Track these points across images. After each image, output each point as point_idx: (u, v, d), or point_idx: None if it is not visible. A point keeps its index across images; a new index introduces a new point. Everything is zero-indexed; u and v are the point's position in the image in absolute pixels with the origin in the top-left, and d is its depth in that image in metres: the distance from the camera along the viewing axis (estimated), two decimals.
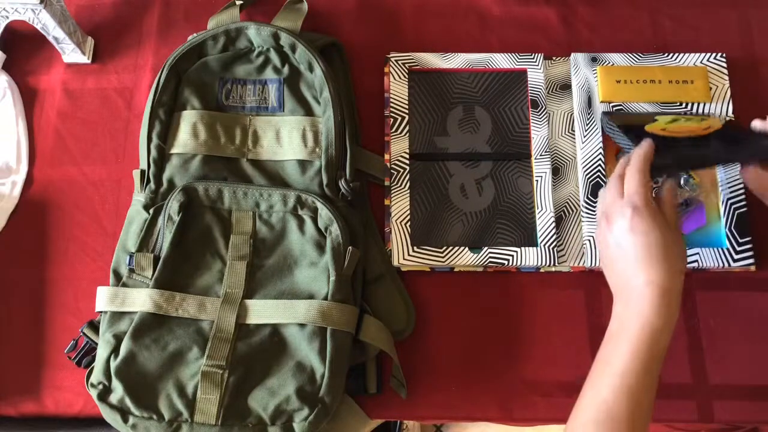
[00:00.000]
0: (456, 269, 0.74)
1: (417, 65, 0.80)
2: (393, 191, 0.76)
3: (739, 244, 0.74)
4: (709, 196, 0.74)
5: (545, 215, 0.75)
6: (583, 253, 0.74)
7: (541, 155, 0.77)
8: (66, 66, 0.83)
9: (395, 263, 0.73)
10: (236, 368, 0.65)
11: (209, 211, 0.71)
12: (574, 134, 0.78)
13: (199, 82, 0.75)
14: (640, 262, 0.57)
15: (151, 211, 0.71)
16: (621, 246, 0.58)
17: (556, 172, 0.77)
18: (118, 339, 0.66)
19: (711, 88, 0.79)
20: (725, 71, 0.80)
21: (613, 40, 0.83)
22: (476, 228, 0.75)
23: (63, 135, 0.81)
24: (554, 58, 0.81)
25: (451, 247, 0.74)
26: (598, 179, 0.76)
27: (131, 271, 0.69)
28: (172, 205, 0.69)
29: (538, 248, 0.74)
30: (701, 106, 0.78)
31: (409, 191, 0.76)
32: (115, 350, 0.66)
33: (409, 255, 0.73)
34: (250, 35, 0.75)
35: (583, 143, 0.77)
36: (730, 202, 0.75)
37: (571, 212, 0.76)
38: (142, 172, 0.72)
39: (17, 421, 0.73)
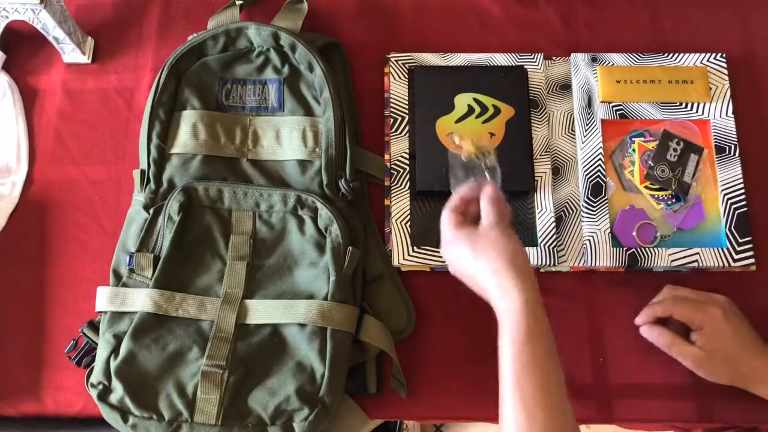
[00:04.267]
0: None
1: (417, 65, 0.80)
2: (393, 191, 0.76)
3: (739, 244, 0.74)
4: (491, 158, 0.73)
5: (545, 215, 0.75)
6: (583, 253, 0.74)
7: (541, 155, 0.77)
8: (66, 66, 0.83)
9: (395, 263, 0.73)
10: (236, 368, 0.65)
11: (209, 211, 0.71)
12: (574, 134, 0.78)
13: (199, 82, 0.75)
14: (473, 283, 0.63)
15: (151, 211, 0.71)
16: (462, 266, 0.64)
17: (556, 172, 0.77)
18: (118, 339, 0.66)
19: (711, 88, 0.79)
20: (725, 71, 0.80)
21: (613, 40, 0.83)
22: None
23: (63, 135, 0.81)
24: (554, 58, 0.81)
25: None
26: (598, 179, 0.76)
27: (131, 271, 0.69)
28: (172, 205, 0.69)
29: (538, 248, 0.74)
30: (701, 106, 0.78)
31: (409, 191, 0.76)
32: (115, 350, 0.66)
33: (409, 255, 0.73)
34: (250, 35, 0.75)
35: (583, 143, 0.77)
36: (730, 202, 0.75)
37: (571, 212, 0.76)
38: (142, 172, 0.72)
39: (17, 421, 0.73)
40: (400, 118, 0.78)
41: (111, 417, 0.64)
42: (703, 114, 0.78)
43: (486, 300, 0.62)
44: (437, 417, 0.72)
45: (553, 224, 0.75)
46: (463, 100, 0.78)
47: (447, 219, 0.65)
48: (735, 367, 0.65)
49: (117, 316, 0.67)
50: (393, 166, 0.77)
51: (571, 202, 0.76)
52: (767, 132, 0.80)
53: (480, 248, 0.61)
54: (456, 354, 0.72)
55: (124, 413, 0.64)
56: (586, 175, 0.76)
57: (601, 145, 0.77)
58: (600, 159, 0.77)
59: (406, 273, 0.75)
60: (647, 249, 0.73)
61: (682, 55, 0.81)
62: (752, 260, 0.73)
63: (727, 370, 0.65)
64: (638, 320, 0.70)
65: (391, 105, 0.79)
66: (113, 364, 0.65)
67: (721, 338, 0.64)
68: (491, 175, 0.70)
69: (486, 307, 0.74)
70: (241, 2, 0.80)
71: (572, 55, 0.81)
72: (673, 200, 0.76)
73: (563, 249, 0.75)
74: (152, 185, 0.72)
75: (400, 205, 0.75)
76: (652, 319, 0.69)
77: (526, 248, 0.73)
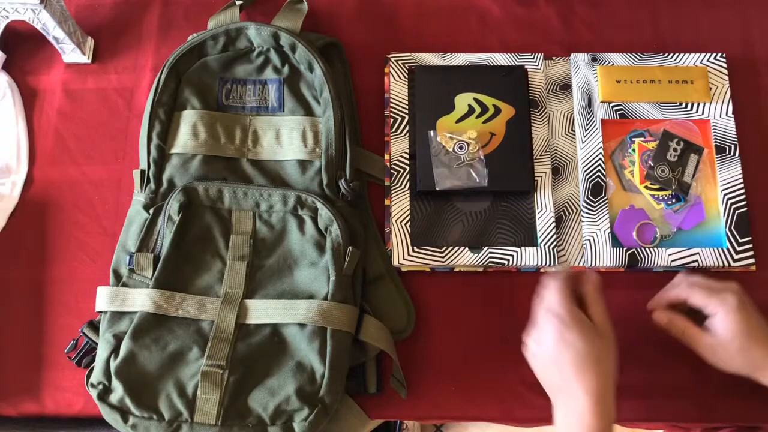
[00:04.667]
0: (456, 269, 0.74)
1: (417, 65, 0.80)
2: (393, 191, 0.76)
3: (739, 244, 0.74)
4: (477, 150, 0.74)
5: (545, 215, 0.75)
6: (583, 253, 0.74)
7: (541, 155, 0.77)
8: (66, 66, 0.83)
9: (395, 263, 0.73)
10: (236, 368, 0.65)
11: (209, 211, 0.71)
12: (574, 134, 0.78)
13: (199, 82, 0.75)
14: (574, 372, 0.59)
15: (151, 211, 0.71)
16: (553, 357, 0.61)
17: (556, 172, 0.77)
18: (118, 339, 0.66)
19: (711, 88, 0.79)
20: (725, 71, 0.80)
21: (613, 40, 0.83)
22: (476, 228, 0.75)
23: (63, 135, 0.81)
24: (554, 58, 0.81)
25: (451, 247, 0.74)
26: (598, 179, 0.76)
27: (131, 271, 0.69)
28: (172, 205, 0.69)
29: (538, 248, 0.74)
30: (701, 106, 0.78)
31: (409, 191, 0.76)
32: (115, 350, 0.66)
33: (409, 255, 0.73)
34: (250, 35, 0.75)
35: (583, 143, 0.77)
36: (730, 202, 0.75)
37: (571, 212, 0.76)
38: (142, 172, 0.72)
39: (17, 421, 0.73)
40: (400, 118, 0.78)
41: (111, 417, 0.64)
42: (703, 114, 0.78)
43: (551, 396, 0.62)
44: (437, 417, 0.72)
45: (553, 224, 0.75)
46: (463, 100, 0.78)
47: (565, 299, 0.62)
48: (746, 355, 0.64)
49: (117, 316, 0.67)
50: (393, 166, 0.77)
51: (571, 202, 0.76)
52: (767, 132, 0.80)
53: (602, 354, 0.60)
54: (456, 354, 0.72)
55: (124, 413, 0.63)
56: (586, 175, 0.76)
57: (601, 145, 0.77)
58: (600, 159, 0.77)
59: (406, 273, 0.75)
60: (647, 249, 0.73)
61: (682, 55, 0.81)
62: (752, 260, 0.73)
63: (739, 358, 0.64)
64: (650, 304, 0.69)
65: (391, 105, 0.79)
66: (113, 364, 0.65)
67: (734, 326, 0.64)
68: (475, 172, 0.70)
69: (486, 307, 0.74)
70: (241, 2, 0.80)
71: (572, 55, 0.81)
72: (673, 200, 0.76)
73: (563, 249, 0.75)
74: (152, 185, 0.72)
75: (400, 205, 0.75)
76: (665, 304, 0.68)
77: (526, 248, 0.74)
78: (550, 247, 0.74)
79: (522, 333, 0.72)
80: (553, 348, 0.61)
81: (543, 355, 0.62)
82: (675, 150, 0.76)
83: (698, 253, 0.73)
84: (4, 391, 0.72)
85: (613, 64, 0.80)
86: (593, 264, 0.73)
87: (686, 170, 0.76)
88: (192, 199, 0.70)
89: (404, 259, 0.73)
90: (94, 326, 0.69)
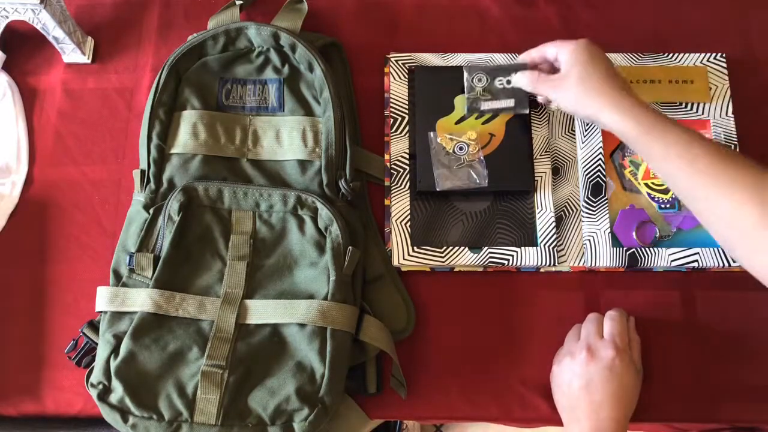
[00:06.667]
0: (456, 269, 0.74)
1: (417, 65, 0.80)
2: (393, 191, 0.76)
3: None
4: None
5: (545, 215, 0.75)
6: (583, 253, 0.74)
7: (541, 155, 0.77)
8: (66, 66, 0.83)
9: (395, 263, 0.73)
10: (236, 368, 0.65)
11: (209, 211, 0.71)
12: (574, 134, 0.78)
13: (199, 82, 0.75)
14: (611, 399, 0.64)
15: (151, 211, 0.71)
16: (593, 379, 0.65)
17: (556, 172, 0.77)
18: (118, 339, 0.66)
19: (711, 88, 0.79)
20: (725, 71, 0.80)
21: (613, 40, 0.83)
22: (476, 228, 0.75)
23: (63, 135, 0.81)
24: None
25: (451, 247, 0.74)
26: (598, 179, 0.76)
27: (131, 271, 0.69)
28: (172, 205, 0.69)
29: (538, 248, 0.74)
30: (701, 106, 0.78)
31: (409, 191, 0.76)
32: (115, 350, 0.66)
33: (409, 255, 0.73)
34: (250, 35, 0.75)
35: (583, 143, 0.77)
36: None
37: (571, 212, 0.76)
38: (142, 172, 0.72)
39: (17, 421, 0.73)
40: (400, 118, 0.78)
41: (111, 417, 0.64)
42: (703, 114, 0.78)
43: (565, 415, 0.67)
44: (437, 417, 0.72)
45: (553, 224, 0.75)
46: (463, 101, 0.78)
47: (624, 332, 0.68)
48: (586, 91, 0.66)
49: (117, 316, 0.67)
50: (393, 166, 0.77)
51: (571, 202, 0.76)
52: (767, 132, 0.80)
53: (636, 389, 0.66)
54: (456, 354, 0.72)
55: (124, 413, 0.63)
56: (586, 175, 0.76)
57: (601, 145, 0.77)
58: (600, 159, 0.77)
59: (406, 273, 0.75)
60: (647, 249, 0.73)
61: (682, 55, 0.81)
62: None
63: (580, 93, 0.67)
64: (520, 57, 0.75)
65: (391, 105, 0.79)
66: (113, 364, 0.65)
67: (574, 63, 0.67)
68: (475, 173, 0.70)
69: (486, 307, 0.74)
70: (241, 2, 0.80)
71: None
72: (668, 205, 0.75)
73: (563, 249, 0.75)
74: (152, 185, 0.72)
75: (400, 205, 0.75)
76: (529, 58, 0.74)
77: (526, 248, 0.74)
78: (550, 247, 0.74)
79: (521, 333, 0.72)
80: (598, 373, 0.64)
81: (580, 378, 0.65)
82: None
83: (698, 253, 0.73)
84: (4, 391, 0.72)
85: (613, 64, 0.80)
86: (593, 264, 0.73)
87: None
88: (192, 199, 0.70)
89: (404, 259, 0.73)
90: (94, 326, 0.69)
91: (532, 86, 0.73)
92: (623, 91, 0.65)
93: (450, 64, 0.80)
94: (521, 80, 0.74)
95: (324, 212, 0.69)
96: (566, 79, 0.68)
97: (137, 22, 0.85)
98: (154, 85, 0.73)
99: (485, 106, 0.76)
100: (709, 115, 0.78)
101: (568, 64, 0.68)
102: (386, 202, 0.76)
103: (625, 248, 0.74)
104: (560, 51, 0.70)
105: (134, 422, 0.63)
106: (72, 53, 0.82)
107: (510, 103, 0.76)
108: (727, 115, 0.78)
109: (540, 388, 0.71)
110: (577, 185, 0.77)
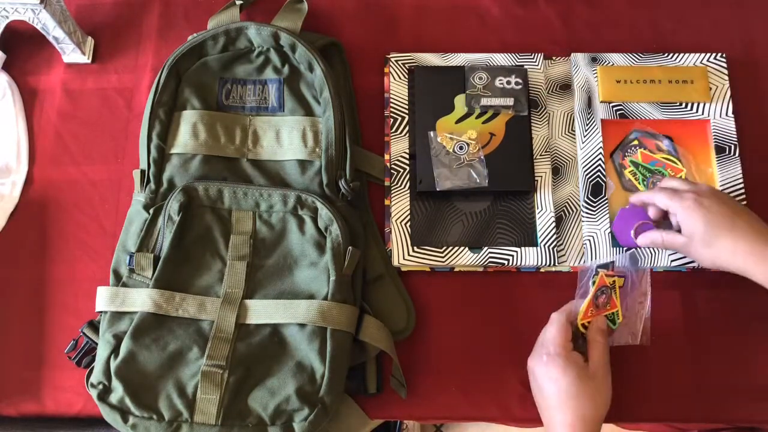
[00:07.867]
0: (456, 269, 0.74)
1: (417, 65, 0.80)
2: (393, 191, 0.76)
3: None
4: None
5: (545, 215, 0.75)
6: (583, 253, 0.74)
7: (541, 155, 0.77)
8: (66, 66, 0.83)
9: (395, 263, 0.73)
10: (236, 368, 0.65)
11: (209, 211, 0.71)
12: (574, 134, 0.78)
13: (199, 82, 0.75)
14: (554, 405, 0.63)
15: (151, 211, 0.71)
16: (541, 388, 0.65)
17: (556, 172, 0.77)
18: (118, 339, 0.66)
19: (711, 88, 0.79)
20: (725, 71, 0.80)
21: (613, 40, 0.83)
22: (476, 228, 0.75)
23: (63, 135, 0.81)
24: (554, 58, 0.81)
25: (451, 247, 0.74)
26: (598, 179, 0.76)
27: (131, 271, 0.69)
28: (172, 205, 0.69)
29: (538, 248, 0.74)
30: (701, 106, 0.78)
31: (409, 191, 0.76)
32: (115, 350, 0.66)
33: (409, 255, 0.73)
34: (250, 35, 0.75)
35: (583, 143, 0.77)
36: None
37: (571, 212, 0.76)
38: (142, 172, 0.72)
39: (17, 421, 0.73)
40: (400, 118, 0.78)
41: (111, 417, 0.64)
42: (703, 114, 0.78)
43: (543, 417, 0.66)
44: (437, 417, 0.72)
45: (553, 224, 0.75)
46: (463, 101, 0.78)
47: (559, 336, 0.65)
48: (713, 248, 0.64)
49: (117, 316, 0.67)
50: (393, 166, 0.77)
51: (571, 202, 0.76)
52: (767, 132, 0.80)
53: (581, 393, 0.63)
54: (456, 354, 0.72)
55: (124, 413, 0.63)
56: (586, 175, 0.76)
57: (601, 145, 0.77)
58: (600, 159, 0.77)
59: (406, 273, 0.75)
60: (647, 249, 0.73)
61: (682, 55, 0.81)
62: None
63: (708, 252, 0.65)
64: (632, 198, 0.72)
65: (391, 105, 0.79)
66: (113, 364, 0.65)
67: (692, 222, 0.65)
68: (475, 172, 0.70)
69: (486, 307, 0.74)
70: (241, 2, 0.80)
71: (572, 55, 0.81)
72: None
73: (563, 249, 0.75)
74: (152, 185, 0.72)
75: (400, 205, 0.75)
76: (640, 202, 0.71)
77: (526, 248, 0.74)
78: (550, 247, 0.74)
79: (521, 333, 0.72)
80: (540, 378, 0.65)
81: (534, 383, 0.66)
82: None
83: None
84: (4, 391, 0.72)
85: (613, 64, 0.80)
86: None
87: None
88: (192, 199, 0.70)
89: (404, 259, 0.73)
90: (94, 326, 0.69)
91: (660, 244, 0.69)
92: (758, 235, 0.63)
93: (450, 64, 0.80)
94: (645, 241, 0.70)
95: (324, 212, 0.69)
96: (694, 246, 0.65)
97: (137, 22, 0.85)
98: (154, 85, 0.73)
99: (484, 102, 0.76)
100: (709, 115, 0.78)
101: (688, 229, 0.65)
102: (386, 202, 0.76)
103: (625, 248, 0.74)
104: (673, 209, 0.66)
105: (134, 422, 0.63)
106: (72, 53, 0.82)
107: (509, 101, 0.76)
108: (727, 115, 0.78)
109: None
110: (577, 185, 0.77)
